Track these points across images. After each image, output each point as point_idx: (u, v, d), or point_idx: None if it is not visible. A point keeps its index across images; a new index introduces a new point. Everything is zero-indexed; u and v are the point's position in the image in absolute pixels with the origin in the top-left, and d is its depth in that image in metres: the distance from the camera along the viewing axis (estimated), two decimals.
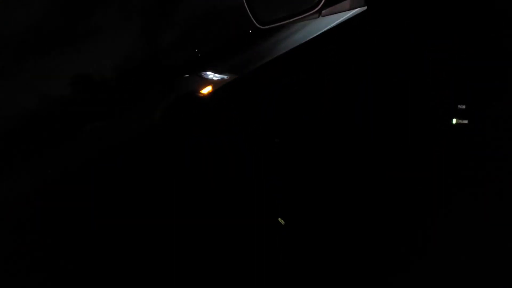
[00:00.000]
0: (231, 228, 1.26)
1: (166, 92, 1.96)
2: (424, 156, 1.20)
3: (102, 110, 1.54)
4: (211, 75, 1.95)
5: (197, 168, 1.45)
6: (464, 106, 1.00)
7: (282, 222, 1.19)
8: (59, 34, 1.35)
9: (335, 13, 1.07)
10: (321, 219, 1.31)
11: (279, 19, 1.09)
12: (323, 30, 1.11)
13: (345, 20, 1.04)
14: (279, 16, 1.09)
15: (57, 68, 1.37)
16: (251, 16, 1.01)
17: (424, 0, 1.09)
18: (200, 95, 1.99)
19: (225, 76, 1.97)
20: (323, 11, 1.09)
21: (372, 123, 1.27)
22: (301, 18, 1.06)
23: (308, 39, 1.12)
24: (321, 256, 1.32)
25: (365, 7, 1.03)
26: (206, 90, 2.02)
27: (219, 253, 1.30)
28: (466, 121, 1.03)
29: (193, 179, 1.44)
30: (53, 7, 1.29)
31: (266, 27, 1.04)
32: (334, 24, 1.09)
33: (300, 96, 1.31)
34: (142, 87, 1.81)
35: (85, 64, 1.39)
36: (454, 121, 1.02)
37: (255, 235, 1.24)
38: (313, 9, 1.06)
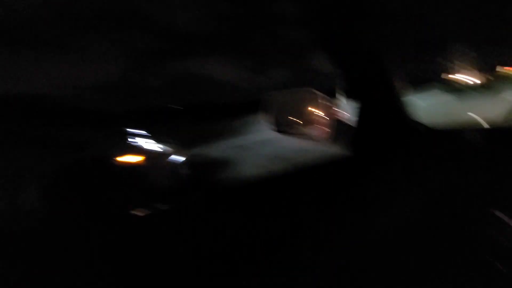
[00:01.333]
0: None
1: (62, 151, 1.31)
2: None
3: None
4: (147, 141, 1.44)
5: None
6: None
7: None
8: None
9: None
10: None
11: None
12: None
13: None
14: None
15: None
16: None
17: None
18: (122, 163, 1.41)
19: (168, 148, 1.50)
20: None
21: None
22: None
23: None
24: None
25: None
26: (134, 159, 1.44)
27: None
28: None
29: None
30: None
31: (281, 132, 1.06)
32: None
33: None
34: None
35: None
36: None
37: None
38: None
